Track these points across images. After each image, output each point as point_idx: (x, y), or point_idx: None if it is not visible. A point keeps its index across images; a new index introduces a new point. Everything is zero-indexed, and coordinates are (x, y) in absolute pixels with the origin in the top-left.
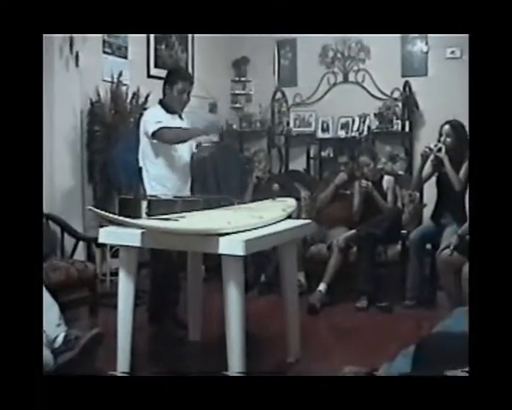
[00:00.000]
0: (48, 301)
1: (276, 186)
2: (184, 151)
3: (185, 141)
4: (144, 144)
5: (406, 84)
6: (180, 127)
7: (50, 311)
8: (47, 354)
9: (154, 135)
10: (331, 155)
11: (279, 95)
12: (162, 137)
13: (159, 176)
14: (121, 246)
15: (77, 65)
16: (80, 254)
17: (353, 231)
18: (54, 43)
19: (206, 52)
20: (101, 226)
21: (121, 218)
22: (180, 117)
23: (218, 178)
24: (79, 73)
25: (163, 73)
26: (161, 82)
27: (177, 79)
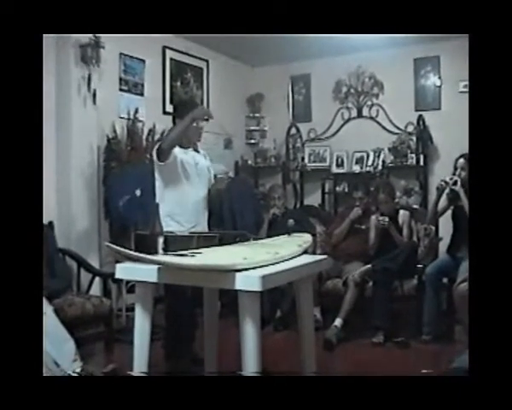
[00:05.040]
0: (64, 336)
1: (291, 221)
2: (200, 186)
3: (183, 133)
4: (158, 180)
5: (420, 118)
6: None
7: (66, 346)
8: None
9: (159, 155)
10: (346, 189)
11: (293, 130)
12: (162, 149)
13: (172, 212)
14: (137, 281)
15: (94, 102)
16: (96, 289)
17: (369, 266)
18: (72, 82)
19: (221, 89)
20: (118, 262)
21: (138, 254)
22: (196, 151)
23: (233, 213)
24: (96, 110)
25: None
26: None
27: (184, 111)
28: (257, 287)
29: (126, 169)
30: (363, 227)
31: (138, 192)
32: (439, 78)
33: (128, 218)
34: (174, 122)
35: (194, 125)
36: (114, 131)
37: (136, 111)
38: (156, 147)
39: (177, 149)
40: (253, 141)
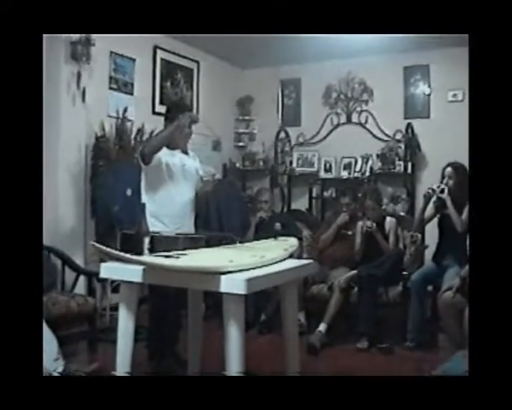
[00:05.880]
0: (47, 335)
1: (278, 225)
2: (186, 188)
3: (167, 141)
4: (143, 181)
5: (409, 126)
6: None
7: (49, 345)
8: None
9: (142, 156)
10: (333, 195)
11: (282, 134)
12: (143, 153)
13: (157, 213)
14: (122, 281)
15: (83, 100)
16: (81, 288)
17: (354, 272)
18: (61, 79)
19: (211, 90)
20: (103, 261)
21: (123, 254)
22: (185, 152)
23: (220, 215)
24: (85, 108)
25: None
26: None
27: (176, 114)
28: (242, 290)
29: (114, 168)
30: (350, 233)
31: (129, 192)
32: (429, 86)
33: (120, 219)
34: (165, 125)
35: (180, 132)
36: (103, 130)
37: (126, 110)
38: (139, 149)
39: (162, 151)
40: (241, 144)
